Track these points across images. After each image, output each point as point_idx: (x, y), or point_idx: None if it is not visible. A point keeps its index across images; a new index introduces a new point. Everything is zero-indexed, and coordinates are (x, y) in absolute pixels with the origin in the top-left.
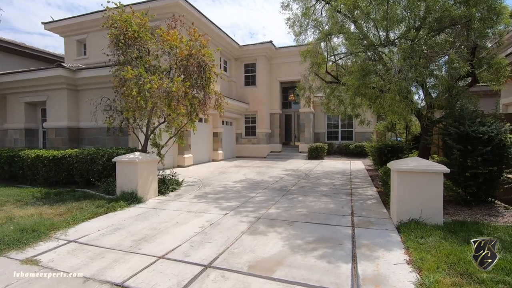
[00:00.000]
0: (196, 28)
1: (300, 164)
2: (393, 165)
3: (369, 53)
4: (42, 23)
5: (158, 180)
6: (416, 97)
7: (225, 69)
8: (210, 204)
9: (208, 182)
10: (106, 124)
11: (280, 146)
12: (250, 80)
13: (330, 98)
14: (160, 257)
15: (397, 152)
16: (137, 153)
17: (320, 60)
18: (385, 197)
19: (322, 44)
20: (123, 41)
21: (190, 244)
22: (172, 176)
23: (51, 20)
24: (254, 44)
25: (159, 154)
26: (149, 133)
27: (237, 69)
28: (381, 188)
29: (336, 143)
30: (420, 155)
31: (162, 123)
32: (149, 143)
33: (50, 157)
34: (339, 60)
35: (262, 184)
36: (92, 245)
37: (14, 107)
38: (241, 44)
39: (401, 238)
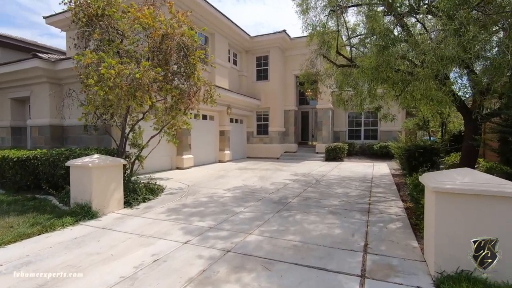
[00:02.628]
0: (190, 10)
1: (314, 167)
2: (430, 180)
3: (391, 19)
4: (44, 17)
5: (128, 189)
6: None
7: (234, 63)
8: (177, 223)
9: (197, 189)
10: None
11: (295, 146)
12: (262, 74)
13: (342, 87)
14: None
15: (431, 155)
16: (95, 156)
17: (330, 38)
18: (415, 219)
19: (331, 23)
20: (83, 20)
21: None
22: (148, 182)
23: (53, 13)
24: (266, 34)
25: (138, 156)
26: (125, 132)
27: (248, 62)
28: (409, 203)
29: (359, 143)
30: (462, 160)
31: (141, 119)
32: (128, 143)
33: (15, 159)
34: (354, 39)
35: (259, 193)
36: None
37: (0, 104)
38: (247, 31)
39: None
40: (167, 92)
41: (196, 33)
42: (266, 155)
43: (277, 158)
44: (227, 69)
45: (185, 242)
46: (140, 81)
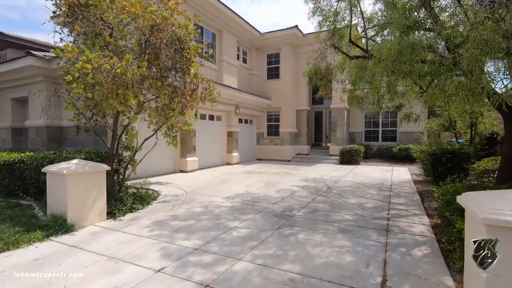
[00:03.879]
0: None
1: (327, 171)
2: (477, 206)
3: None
4: (51, 16)
5: (114, 197)
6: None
7: (244, 61)
8: (158, 241)
9: (194, 196)
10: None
11: (308, 148)
12: (273, 73)
13: (357, 83)
14: None
15: (460, 160)
16: (74, 161)
17: (342, 26)
18: (446, 243)
19: (346, 12)
20: (66, 10)
21: None
22: (138, 190)
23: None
24: (277, 30)
25: (131, 160)
26: (116, 133)
27: (258, 60)
28: (436, 218)
29: (376, 144)
30: (502, 167)
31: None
32: (121, 145)
33: (1, 163)
34: (371, 31)
35: (261, 203)
36: None
37: (1, 104)
38: (262, 31)
39: None
40: (158, 90)
41: (194, 24)
42: (276, 157)
43: (288, 161)
44: (235, 67)
45: (159, 270)
46: (123, 77)
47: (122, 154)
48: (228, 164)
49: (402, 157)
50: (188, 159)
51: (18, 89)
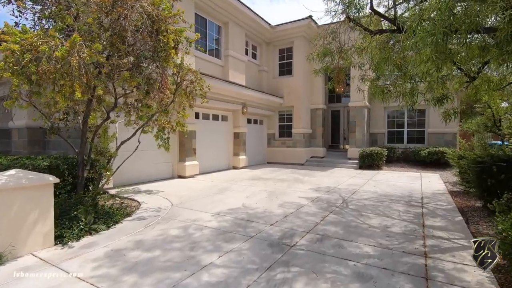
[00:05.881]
0: None
1: (343, 178)
2: None
3: None
4: None
5: (68, 216)
6: None
7: (254, 56)
8: None
9: (178, 211)
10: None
11: (323, 150)
12: (285, 69)
13: (381, 66)
14: None
15: None
16: (9, 172)
17: None
18: None
19: None
20: None
21: None
22: (103, 205)
23: None
24: (289, 22)
25: (103, 167)
26: (86, 136)
27: (269, 56)
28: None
29: (401, 147)
30: None
31: (106, 119)
32: (93, 150)
33: None
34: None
35: (256, 223)
36: None
37: None
38: (273, 24)
39: None
40: (126, 82)
41: (197, 15)
42: (289, 160)
43: (302, 164)
44: (243, 63)
45: None
46: (69, 62)
47: (99, 160)
48: (234, 168)
49: (432, 162)
50: (187, 163)
51: (2, 86)
